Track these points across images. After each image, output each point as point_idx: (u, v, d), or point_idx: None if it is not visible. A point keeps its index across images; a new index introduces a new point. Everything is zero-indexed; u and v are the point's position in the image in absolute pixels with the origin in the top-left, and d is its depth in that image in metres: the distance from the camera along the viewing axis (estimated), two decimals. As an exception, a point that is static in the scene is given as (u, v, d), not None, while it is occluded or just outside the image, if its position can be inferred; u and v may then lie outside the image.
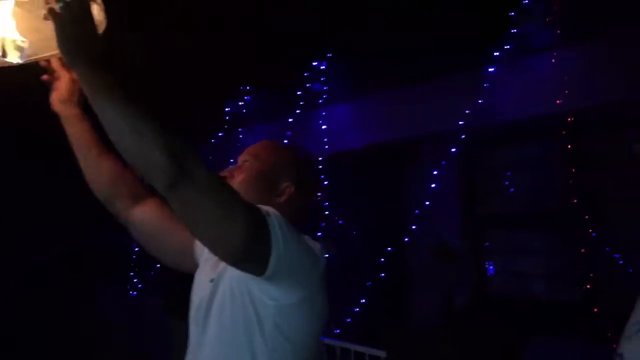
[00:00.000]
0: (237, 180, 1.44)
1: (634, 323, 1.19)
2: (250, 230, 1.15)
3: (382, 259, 3.70)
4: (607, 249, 3.48)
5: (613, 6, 3.20)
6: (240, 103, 5.02)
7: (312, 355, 1.34)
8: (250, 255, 1.18)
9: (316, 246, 1.34)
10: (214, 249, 1.20)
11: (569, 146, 3.58)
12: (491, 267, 5.30)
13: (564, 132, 3.50)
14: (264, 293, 1.26)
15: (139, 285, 5.61)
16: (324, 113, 4.75)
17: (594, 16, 3.29)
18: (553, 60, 3.33)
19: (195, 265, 1.51)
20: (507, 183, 4.81)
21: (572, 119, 3.37)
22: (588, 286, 3.31)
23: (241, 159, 1.48)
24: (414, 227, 3.81)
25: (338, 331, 3.75)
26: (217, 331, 1.32)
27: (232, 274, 1.29)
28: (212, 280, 1.35)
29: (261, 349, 1.26)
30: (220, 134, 5.18)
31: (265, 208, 1.22)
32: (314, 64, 4.62)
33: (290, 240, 1.22)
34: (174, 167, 1.08)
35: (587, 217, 3.41)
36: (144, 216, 1.53)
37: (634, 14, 3.24)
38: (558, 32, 3.25)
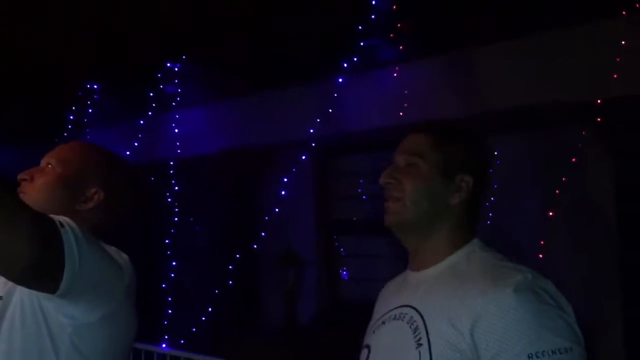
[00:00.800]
0: (38, 184, 1.31)
1: (377, 319, 1.33)
2: (36, 244, 1.04)
3: (231, 266, 3.66)
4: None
5: (451, 27, 3.43)
6: (87, 102, 4.74)
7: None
8: (38, 272, 1.08)
9: (122, 258, 1.27)
10: None
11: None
12: (345, 273, 5.46)
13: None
14: (59, 311, 1.16)
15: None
16: (177, 116, 4.62)
17: (433, 35, 3.51)
18: (395, 75, 3.49)
19: None
20: (360, 190, 4.97)
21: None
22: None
23: (44, 161, 1.36)
24: (263, 234, 3.80)
25: (182, 341, 3.65)
26: (6, 356, 1.20)
27: (22, 291, 1.18)
28: (0, 298, 1.23)
29: None
30: (65, 134, 4.85)
31: (59, 218, 1.12)
32: (167, 65, 4.49)
33: (88, 254, 1.13)
34: None
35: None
36: None
37: (471, 35, 3.49)
38: (400, 48, 3.41)
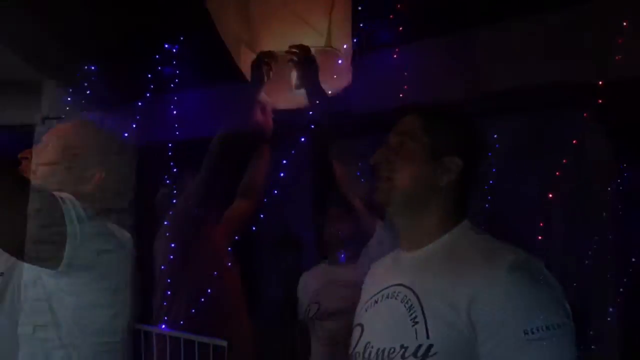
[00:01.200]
0: (40, 162, 1.32)
1: (368, 298, 1.40)
2: (38, 220, 1.05)
3: (230, 249, 3.66)
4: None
5: (451, 7, 3.40)
6: (85, 84, 4.69)
7: (114, 350, 1.27)
8: (39, 248, 1.08)
9: (123, 236, 1.27)
10: None
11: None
12: (342, 256, 5.46)
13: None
14: (61, 288, 1.17)
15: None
16: (175, 98, 4.58)
17: (434, 16, 3.48)
18: (395, 57, 3.47)
19: None
20: (358, 173, 4.96)
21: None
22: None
23: (45, 140, 1.37)
24: (262, 216, 3.80)
25: (182, 322, 3.65)
26: (9, 331, 1.21)
27: (24, 267, 1.19)
28: (2, 274, 1.23)
29: (51, 347, 1.17)
30: (62, 117, 4.81)
31: (60, 194, 1.13)
32: (165, 46, 4.44)
33: (89, 230, 1.14)
34: None
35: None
36: None
37: (471, 15, 3.47)
38: (400, 29, 3.39)
